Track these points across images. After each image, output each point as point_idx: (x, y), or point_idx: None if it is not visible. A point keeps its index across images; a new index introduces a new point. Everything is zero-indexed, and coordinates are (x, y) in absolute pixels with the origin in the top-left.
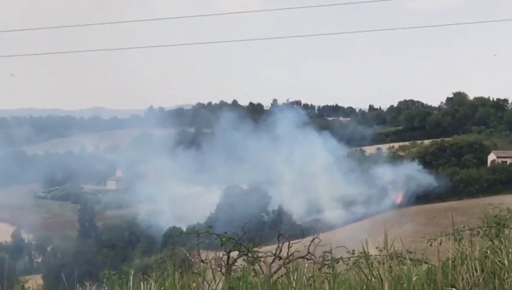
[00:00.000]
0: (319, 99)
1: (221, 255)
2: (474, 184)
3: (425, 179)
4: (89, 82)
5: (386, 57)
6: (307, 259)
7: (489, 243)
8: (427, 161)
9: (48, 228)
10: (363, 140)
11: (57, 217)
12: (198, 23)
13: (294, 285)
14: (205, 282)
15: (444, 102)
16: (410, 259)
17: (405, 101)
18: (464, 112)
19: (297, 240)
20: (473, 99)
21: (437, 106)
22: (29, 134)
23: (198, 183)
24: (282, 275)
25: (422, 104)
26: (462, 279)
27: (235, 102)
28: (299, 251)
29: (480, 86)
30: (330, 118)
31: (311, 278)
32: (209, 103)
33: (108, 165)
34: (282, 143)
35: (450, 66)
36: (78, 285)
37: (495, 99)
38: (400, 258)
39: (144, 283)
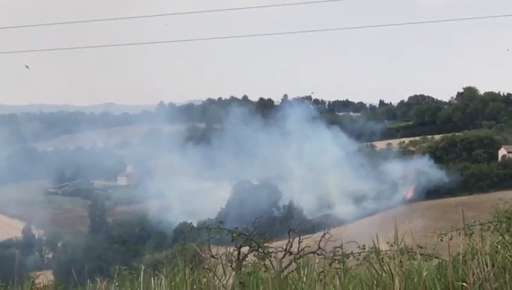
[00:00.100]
0: (329, 95)
1: (231, 250)
2: (484, 179)
3: (435, 174)
4: (100, 78)
5: (397, 52)
6: (318, 254)
7: (500, 238)
8: (438, 156)
9: (58, 224)
10: (373, 135)
11: (67, 213)
12: (209, 18)
13: (304, 280)
14: (216, 277)
15: (455, 97)
16: (421, 254)
17: (415, 96)
18: (475, 107)
19: (307, 236)
20: (484, 94)
21: (447, 101)
22: (39, 130)
23: (209, 179)
24: (292, 271)
25: (433, 99)
26: (473, 274)
27: (245, 97)
28: (309, 246)
29: (491, 81)
30: (340, 113)
31: (322, 274)
32: (220, 99)
33: (118, 161)
34: (292, 138)
35: (460, 61)
36: (88, 281)
37: (505, 94)
38: (410, 253)
39: (154, 279)
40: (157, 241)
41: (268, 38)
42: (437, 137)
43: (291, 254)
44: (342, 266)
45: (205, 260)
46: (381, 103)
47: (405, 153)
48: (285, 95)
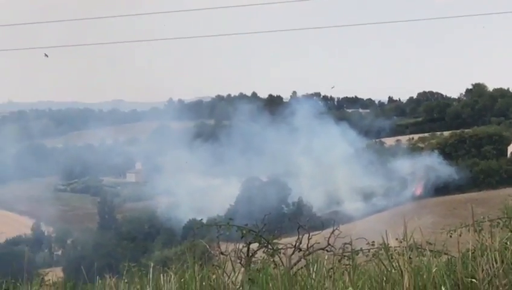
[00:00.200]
0: (338, 91)
1: (240, 247)
2: (494, 175)
3: (445, 170)
4: (108, 75)
5: (406, 49)
6: (327, 251)
7: (510, 234)
8: (447, 152)
9: (67, 221)
10: (382, 132)
11: (76, 209)
12: (219, 15)
13: (314, 277)
14: (225, 274)
15: (464, 93)
16: (430, 250)
17: (424, 92)
18: (484, 103)
19: (317, 232)
20: (493, 90)
21: (456, 98)
22: (48, 127)
23: (218, 176)
24: (302, 267)
25: (442, 95)
26: (482, 270)
27: (254, 94)
28: (318, 243)
29: (500, 77)
30: (349, 110)
31: (331, 270)
32: (229, 95)
33: (127, 158)
34: (301, 135)
35: (469, 57)
36: (98, 277)
37: None
38: (419, 250)
39: (163, 275)
40: (166, 238)
41: (277, 35)
42: (446, 133)
43: (300, 250)
44: (351, 263)
45: (214, 257)
46: (390, 99)
47: (414, 149)
48: (294, 92)
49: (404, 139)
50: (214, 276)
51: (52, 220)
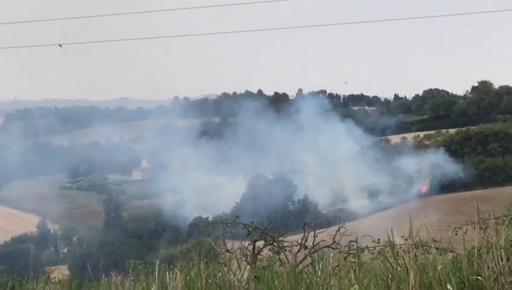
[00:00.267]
0: (344, 89)
1: (246, 244)
2: (499, 173)
3: (450, 168)
4: (114, 72)
5: (411, 46)
6: (333, 248)
7: None
8: (453, 149)
9: (73, 219)
10: (387, 129)
11: (82, 207)
12: (225, 12)
13: (319, 274)
14: (230, 272)
15: (469, 91)
16: (436, 248)
17: (430, 90)
18: (489, 101)
19: (322, 230)
20: (498, 88)
21: (462, 95)
22: (54, 125)
23: (223, 173)
24: (307, 265)
25: (447, 93)
26: (488, 268)
27: (260, 91)
28: (324, 241)
29: (506, 75)
30: (355, 107)
31: (337, 268)
32: (234, 93)
33: (133, 156)
34: (307, 132)
35: (475, 55)
36: (103, 275)
37: None
38: (425, 247)
39: (169, 273)
40: (172, 235)
41: (283, 33)
42: (452, 131)
43: (306, 248)
44: (356, 260)
45: (220, 255)
46: (396, 97)
47: (420, 147)
48: (300, 89)
49: (409, 136)
50: (219, 274)
51: (58, 217)
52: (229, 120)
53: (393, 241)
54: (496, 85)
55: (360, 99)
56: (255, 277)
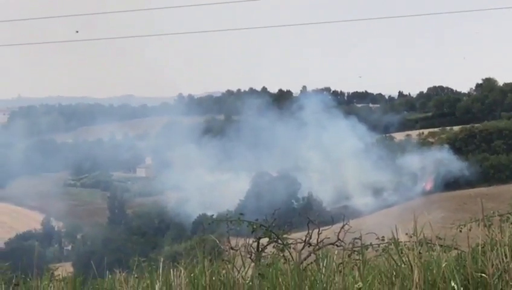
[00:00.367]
0: (348, 86)
1: (250, 242)
2: (504, 170)
3: (454, 165)
4: (119, 70)
5: (416, 43)
6: (337, 246)
7: None
8: (457, 147)
9: (77, 216)
10: (392, 126)
11: (86, 204)
12: (229, 9)
13: (323, 272)
14: (235, 269)
15: (474, 88)
16: (440, 245)
17: (434, 87)
18: (494, 98)
19: (327, 227)
20: (503, 85)
21: (466, 92)
22: (58, 122)
23: (227, 171)
24: (312, 262)
25: (452, 90)
26: (492, 265)
27: (264, 89)
28: (328, 238)
29: (510, 72)
30: (359, 105)
31: (341, 265)
32: (238, 90)
33: (137, 153)
34: (311, 130)
35: (479, 52)
36: (107, 272)
37: None
38: (429, 245)
39: (173, 270)
40: (176, 233)
41: (287, 30)
42: (456, 128)
43: (310, 245)
44: (361, 258)
45: (224, 252)
46: (400, 94)
47: (424, 144)
48: (304, 87)
49: (414, 134)
50: (223, 271)
51: (62, 215)
52: (233, 117)
53: (398, 239)
54: (501, 82)
55: (364, 96)
56: (259, 274)
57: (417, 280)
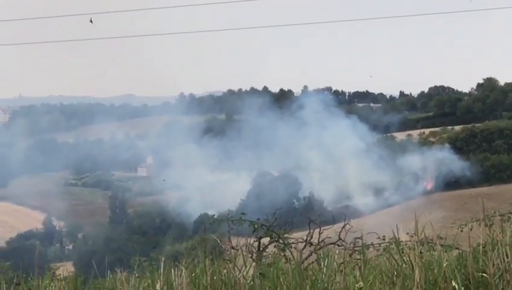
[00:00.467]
0: (349, 86)
1: (252, 241)
2: (505, 170)
3: (455, 165)
4: (120, 69)
5: (417, 43)
6: (338, 245)
7: None
8: (458, 146)
9: (78, 215)
10: (393, 126)
11: (87, 204)
12: (230, 8)
13: (325, 271)
14: (236, 268)
15: (475, 88)
16: (441, 245)
17: (436, 87)
18: (495, 98)
19: (328, 227)
20: (504, 85)
21: (468, 92)
22: (59, 121)
23: (228, 170)
24: (313, 262)
25: (453, 90)
26: (493, 265)
27: (265, 88)
28: (330, 237)
29: (511, 72)
30: (360, 104)
31: (342, 265)
32: (240, 90)
33: (138, 152)
34: (312, 129)
35: (480, 52)
36: (109, 272)
37: None
38: (430, 244)
39: (174, 270)
40: (178, 232)
41: (289, 29)
42: (457, 128)
43: (311, 245)
44: (362, 257)
45: (225, 251)
46: (402, 93)
47: (425, 144)
48: (305, 86)
49: (415, 133)
50: (224, 270)
51: (63, 214)
52: (234, 117)
53: (399, 238)
54: (502, 82)
55: (365, 96)
56: (260, 273)
57: (418, 280)
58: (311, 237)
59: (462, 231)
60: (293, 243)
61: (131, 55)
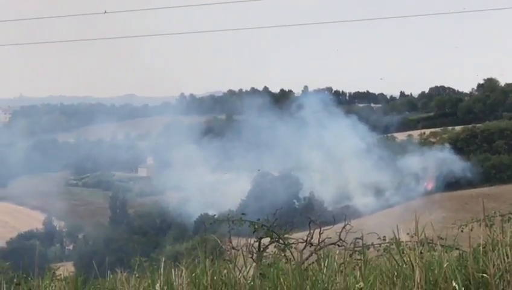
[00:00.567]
0: (349, 86)
1: (252, 242)
2: (505, 170)
3: (456, 165)
4: (120, 69)
5: (417, 44)
6: (338, 245)
7: None
8: (458, 147)
9: (79, 216)
10: (393, 126)
11: (88, 204)
12: (231, 9)
13: (325, 271)
14: (236, 269)
15: (475, 88)
16: (441, 245)
17: (436, 87)
18: (495, 98)
19: (328, 227)
20: (504, 85)
21: (468, 92)
22: (60, 121)
23: (229, 170)
24: (313, 262)
25: (454, 90)
26: (494, 265)
27: (266, 89)
28: (330, 238)
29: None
30: (361, 105)
31: (342, 265)
32: (240, 90)
33: (139, 153)
34: (312, 129)
35: (481, 52)
36: (109, 272)
37: None
38: (431, 245)
39: (175, 270)
40: (178, 232)
41: (290, 30)
42: (458, 128)
43: (311, 245)
44: (362, 257)
45: (226, 252)
46: (402, 94)
47: (425, 144)
48: (306, 87)
49: (415, 134)
50: (225, 271)
51: (63, 214)
52: (235, 117)
53: (399, 239)
54: (502, 82)
55: (365, 96)
56: (260, 274)
57: (418, 280)
58: (312, 238)
59: (462, 231)
60: (293, 243)
61: (132, 55)
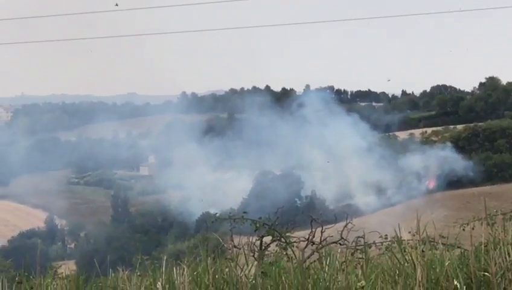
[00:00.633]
0: (351, 85)
1: (254, 240)
2: (507, 169)
3: (458, 164)
4: (122, 68)
5: (419, 42)
6: (340, 244)
7: None
8: (460, 146)
9: (80, 214)
10: (395, 125)
11: (89, 203)
12: (233, 7)
13: (327, 270)
14: (238, 267)
15: (477, 87)
16: (443, 244)
17: (438, 86)
18: (497, 97)
19: (330, 225)
20: (506, 84)
21: (470, 91)
22: (61, 120)
23: (231, 169)
24: (315, 260)
25: (455, 89)
26: (495, 264)
27: (267, 87)
28: (332, 236)
29: None
30: (363, 103)
31: (344, 263)
32: (242, 89)
33: (140, 151)
34: (314, 128)
35: (483, 51)
36: (111, 270)
37: None
38: (432, 243)
39: (176, 269)
40: (180, 231)
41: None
42: (459, 127)
43: (313, 243)
44: (364, 256)
45: (227, 250)
46: (404, 93)
47: (427, 143)
48: (308, 85)
49: (417, 132)
50: (226, 269)
51: (65, 213)
52: (236, 116)
53: (401, 237)
54: (504, 81)
55: (367, 95)
56: (262, 272)
57: (420, 279)
58: (313, 236)
59: (464, 230)
60: (295, 241)
61: (134, 54)
